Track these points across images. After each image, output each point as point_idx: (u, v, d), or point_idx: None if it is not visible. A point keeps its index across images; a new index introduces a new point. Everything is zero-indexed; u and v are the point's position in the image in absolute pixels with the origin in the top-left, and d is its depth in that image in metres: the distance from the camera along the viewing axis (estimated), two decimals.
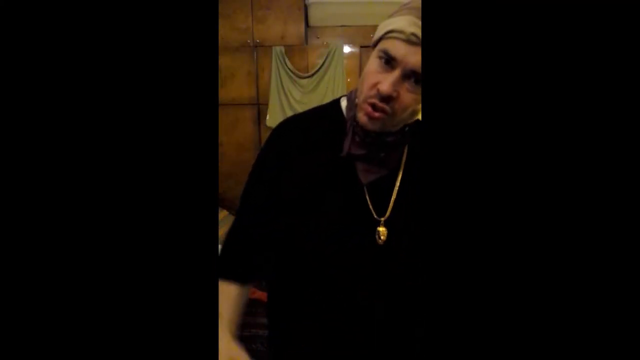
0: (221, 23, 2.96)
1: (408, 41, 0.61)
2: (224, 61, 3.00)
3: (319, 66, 2.99)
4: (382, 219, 0.71)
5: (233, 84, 3.07)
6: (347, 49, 2.99)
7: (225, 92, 3.07)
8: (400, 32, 0.61)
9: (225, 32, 3.00)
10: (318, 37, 3.06)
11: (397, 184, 0.73)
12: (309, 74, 3.02)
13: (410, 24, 0.60)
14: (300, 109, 3.06)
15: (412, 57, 0.61)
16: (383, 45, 0.63)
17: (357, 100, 0.69)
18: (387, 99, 0.63)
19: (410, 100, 0.64)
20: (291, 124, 0.79)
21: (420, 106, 0.65)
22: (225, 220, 2.91)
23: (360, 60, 3.01)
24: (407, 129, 0.72)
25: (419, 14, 0.60)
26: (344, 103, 0.77)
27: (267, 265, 0.76)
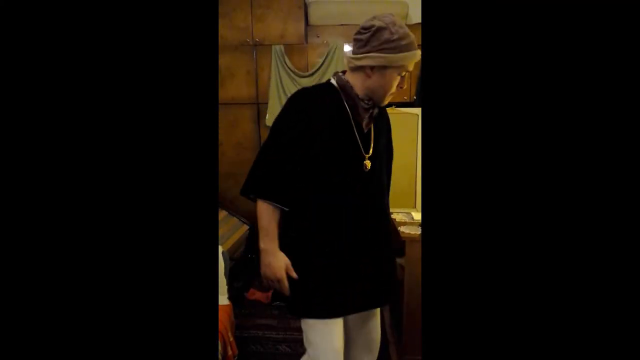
0: (220, 22, 2.95)
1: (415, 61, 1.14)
2: (223, 60, 2.99)
3: (319, 65, 2.98)
4: (367, 155, 1.18)
5: (232, 83, 3.06)
6: (347, 48, 2.98)
7: (225, 92, 3.05)
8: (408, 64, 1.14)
9: (225, 31, 2.99)
10: (318, 36, 3.05)
11: (372, 134, 1.20)
12: (309, 72, 3.00)
13: (415, 56, 1.11)
14: None
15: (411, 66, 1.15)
16: (401, 64, 1.12)
17: (373, 92, 1.16)
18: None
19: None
20: (301, 94, 1.19)
21: None
22: (225, 220, 2.89)
23: None
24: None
25: (414, 47, 1.11)
26: (333, 81, 1.21)
27: (291, 190, 1.15)
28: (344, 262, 1.16)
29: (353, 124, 1.16)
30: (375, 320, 1.32)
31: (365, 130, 1.19)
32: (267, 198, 1.15)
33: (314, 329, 1.17)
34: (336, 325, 1.17)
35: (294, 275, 1.14)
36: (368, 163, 1.17)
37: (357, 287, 1.17)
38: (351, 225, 1.16)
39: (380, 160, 1.22)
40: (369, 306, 1.24)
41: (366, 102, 1.16)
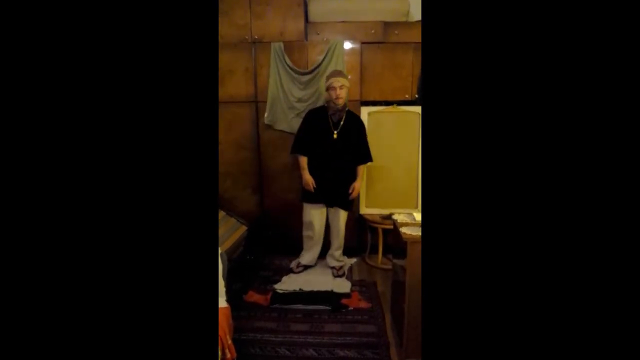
0: (219, 19, 2.91)
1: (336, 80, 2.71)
2: (222, 58, 2.95)
3: (319, 62, 2.94)
4: (336, 131, 2.77)
5: (231, 82, 3.02)
6: (347, 45, 2.95)
7: (223, 90, 3.02)
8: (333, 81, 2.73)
9: (224, 28, 2.95)
10: (318, 33, 3.01)
11: (342, 122, 2.78)
12: (309, 70, 2.97)
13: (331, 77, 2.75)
14: (299, 107, 3.01)
15: (338, 84, 2.69)
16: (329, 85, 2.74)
17: (330, 102, 2.75)
18: (340, 96, 2.72)
19: (344, 94, 2.69)
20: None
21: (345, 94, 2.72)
22: (223, 221, 2.86)
23: (361, 57, 2.97)
24: (344, 105, 2.75)
25: (334, 74, 2.73)
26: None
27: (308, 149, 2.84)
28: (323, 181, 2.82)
29: (333, 119, 2.79)
30: (340, 218, 2.91)
31: (336, 121, 2.77)
32: (300, 153, 2.82)
33: (308, 210, 2.90)
34: (320, 210, 2.90)
35: (312, 187, 2.80)
36: (335, 134, 2.74)
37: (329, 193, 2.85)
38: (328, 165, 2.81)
39: (345, 136, 2.76)
40: (334, 205, 2.90)
41: (333, 108, 2.74)
